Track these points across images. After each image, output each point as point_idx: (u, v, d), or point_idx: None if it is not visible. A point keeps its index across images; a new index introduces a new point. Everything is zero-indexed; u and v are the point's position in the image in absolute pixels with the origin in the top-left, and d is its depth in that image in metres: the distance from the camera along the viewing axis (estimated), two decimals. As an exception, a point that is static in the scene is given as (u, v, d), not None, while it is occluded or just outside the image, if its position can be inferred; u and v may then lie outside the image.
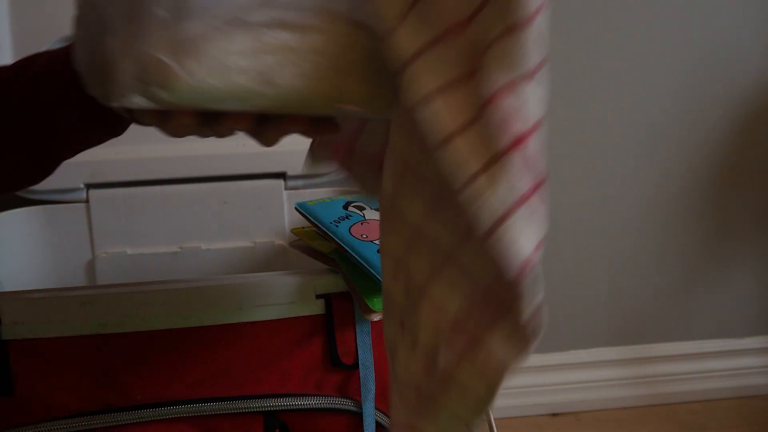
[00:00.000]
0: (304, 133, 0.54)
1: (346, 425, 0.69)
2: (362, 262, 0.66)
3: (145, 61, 0.43)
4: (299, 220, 0.78)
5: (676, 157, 1.26)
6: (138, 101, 0.44)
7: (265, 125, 0.52)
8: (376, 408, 0.69)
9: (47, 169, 0.61)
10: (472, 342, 0.45)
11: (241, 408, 0.66)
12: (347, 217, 0.72)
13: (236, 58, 0.44)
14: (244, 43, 0.44)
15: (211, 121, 0.50)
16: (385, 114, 0.49)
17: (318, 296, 0.67)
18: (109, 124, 0.57)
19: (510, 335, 0.44)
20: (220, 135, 0.53)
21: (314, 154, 0.61)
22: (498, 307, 0.44)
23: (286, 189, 1.02)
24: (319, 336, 0.67)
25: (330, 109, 0.49)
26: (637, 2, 1.19)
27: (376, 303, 0.65)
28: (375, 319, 0.64)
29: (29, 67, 0.56)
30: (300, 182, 1.03)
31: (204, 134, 0.53)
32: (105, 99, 0.45)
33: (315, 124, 0.53)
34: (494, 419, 0.69)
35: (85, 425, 0.63)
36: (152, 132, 1.08)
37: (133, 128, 1.01)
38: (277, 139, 0.54)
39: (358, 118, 0.56)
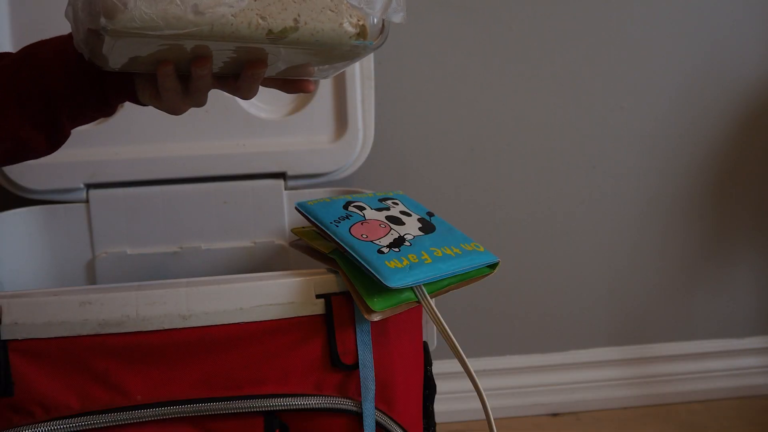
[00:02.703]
0: (260, 68, 0.62)
1: (346, 425, 0.69)
2: (362, 262, 0.66)
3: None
4: (299, 220, 0.78)
5: (677, 156, 1.26)
6: (88, 29, 0.55)
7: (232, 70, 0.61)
8: (376, 408, 0.69)
9: (56, 141, 0.67)
10: None
11: (241, 408, 0.66)
12: (347, 217, 0.72)
13: None
14: None
15: (184, 70, 0.60)
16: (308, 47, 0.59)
17: (318, 296, 0.67)
18: (103, 99, 0.65)
19: None
20: (196, 87, 0.62)
21: None
22: None
23: (286, 189, 1.02)
24: (319, 336, 0.67)
25: (261, 39, 0.57)
26: (637, 2, 1.19)
27: (376, 303, 0.65)
28: (375, 319, 0.64)
29: (34, 51, 0.63)
30: (300, 182, 1.03)
31: (185, 92, 0.63)
32: (78, 43, 0.58)
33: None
34: (494, 419, 0.69)
35: (85, 425, 0.63)
36: (152, 132, 1.09)
37: (133, 128, 1.01)
38: (250, 87, 0.63)
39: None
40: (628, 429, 1.23)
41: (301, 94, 1.03)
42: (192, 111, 1.00)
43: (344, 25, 0.59)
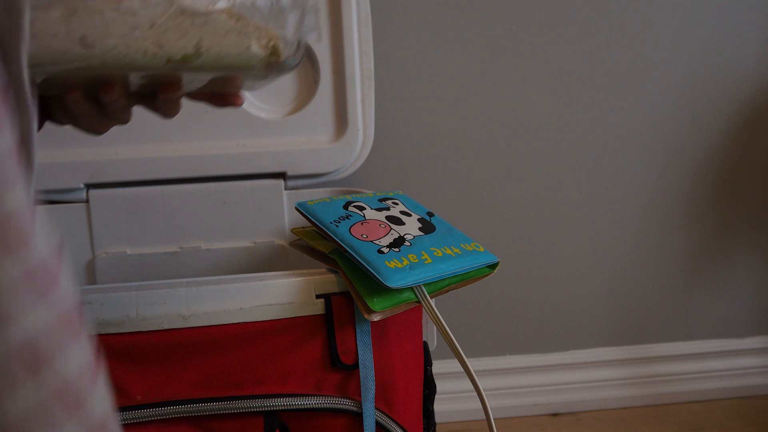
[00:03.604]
0: (173, 92, 0.58)
1: (346, 425, 0.69)
2: (362, 262, 0.66)
3: None
4: (299, 220, 0.78)
5: (676, 157, 1.26)
6: None
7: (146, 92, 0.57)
8: (376, 408, 0.69)
9: None
10: None
11: (241, 408, 0.66)
12: (347, 217, 0.72)
13: (53, 25, 0.48)
14: (58, 11, 0.48)
15: (95, 94, 0.56)
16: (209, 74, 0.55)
17: (318, 296, 0.67)
18: None
19: None
20: (113, 109, 0.58)
21: None
22: None
23: (286, 189, 1.02)
24: (319, 336, 0.67)
25: (160, 67, 0.52)
26: (637, 2, 1.19)
27: (376, 303, 0.65)
28: (375, 319, 0.64)
29: None
30: (300, 182, 1.03)
31: (102, 113, 0.58)
32: None
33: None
34: (494, 419, 0.69)
35: (85, 425, 0.63)
36: (152, 132, 1.09)
37: (133, 128, 1.01)
38: (170, 105, 0.59)
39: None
40: (628, 429, 1.23)
41: (301, 93, 1.03)
42: (192, 111, 1.00)
43: (252, 48, 0.54)
